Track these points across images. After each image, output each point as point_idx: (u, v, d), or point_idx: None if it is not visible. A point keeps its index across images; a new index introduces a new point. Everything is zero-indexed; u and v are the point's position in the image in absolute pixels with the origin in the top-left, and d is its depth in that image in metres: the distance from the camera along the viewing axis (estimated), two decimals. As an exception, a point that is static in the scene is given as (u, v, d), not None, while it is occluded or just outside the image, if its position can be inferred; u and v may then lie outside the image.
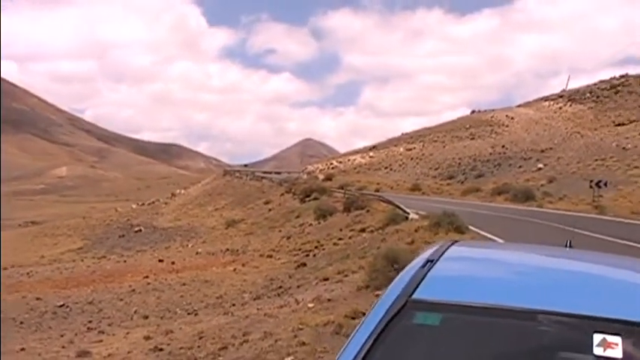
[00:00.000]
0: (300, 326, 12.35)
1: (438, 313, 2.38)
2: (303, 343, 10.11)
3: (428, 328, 2.35)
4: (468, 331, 2.35)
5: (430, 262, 2.77)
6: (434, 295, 2.47)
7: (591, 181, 47.31)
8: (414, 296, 2.45)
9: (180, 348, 14.30)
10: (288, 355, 9.41)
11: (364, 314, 8.00)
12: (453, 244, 3.17)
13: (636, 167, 60.94)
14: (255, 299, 21.97)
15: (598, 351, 2.18)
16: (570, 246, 4.17)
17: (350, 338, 2.32)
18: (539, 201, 49.68)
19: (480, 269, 3.08)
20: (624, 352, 2.17)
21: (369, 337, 2.27)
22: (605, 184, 46.47)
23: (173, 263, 38.85)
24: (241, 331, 14.45)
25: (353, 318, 11.45)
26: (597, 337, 2.21)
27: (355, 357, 2.20)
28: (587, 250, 4.06)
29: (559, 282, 2.83)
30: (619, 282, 3.01)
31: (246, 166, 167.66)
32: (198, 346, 14.05)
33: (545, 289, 2.68)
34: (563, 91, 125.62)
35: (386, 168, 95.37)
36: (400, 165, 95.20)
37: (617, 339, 2.20)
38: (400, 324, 2.33)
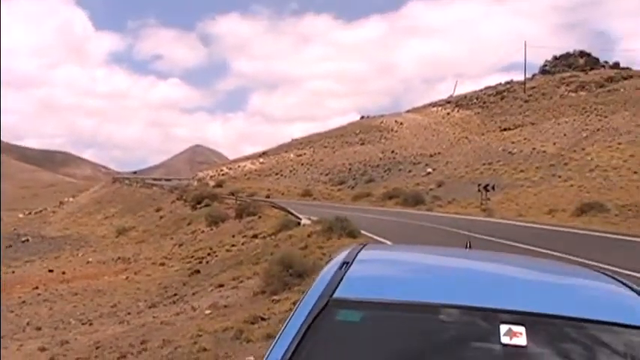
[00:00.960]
0: (199, 333, 12.56)
1: (358, 310, 2.64)
2: (204, 349, 10.33)
3: (349, 324, 2.60)
4: (386, 326, 2.61)
5: (346, 263, 3.06)
6: (353, 293, 2.74)
7: (479, 185, 48.88)
8: (335, 295, 2.70)
9: (77, 358, 14.28)
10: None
11: (263, 319, 8.46)
12: (363, 247, 3.50)
13: (522, 171, 63.19)
14: (150, 307, 21.94)
15: (505, 340, 2.46)
16: (470, 247, 4.67)
17: (276, 338, 2.62)
18: (429, 205, 51.10)
19: (392, 269, 3.43)
20: (528, 340, 2.47)
21: (295, 334, 2.51)
22: (493, 188, 48.14)
23: (64, 273, 38.15)
24: (139, 340, 14.50)
25: (252, 323, 11.73)
26: (504, 328, 2.49)
27: (284, 354, 2.43)
28: (486, 250, 4.54)
29: (465, 278, 3.21)
30: (518, 278, 3.42)
31: (135, 173, 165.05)
32: (96, 356, 14.05)
33: (454, 285, 3.03)
34: (451, 96, 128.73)
35: (276, 174, 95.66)
36: (291, 171, 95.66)
37: (522, 328, 2.49)
38: (324, 321, 2.56)
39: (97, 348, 15.06)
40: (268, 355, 2.49)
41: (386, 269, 3.44)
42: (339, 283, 2.81)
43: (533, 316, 2.58)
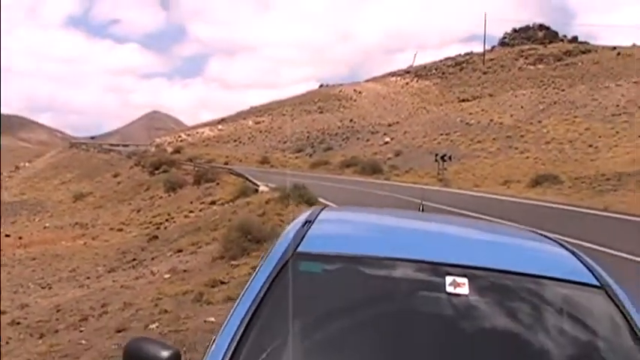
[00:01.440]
0: (159, 296, 12.78)
1: (319, 262, 2.98)
2: (165, 311, 10.57)
3: (311, 275, 2.93)
4: (344, 277, 2.95)
5: (308, 222, 3.40)
6: (315, 248, 3.07)
7: (436, 155, 49.33)
8: (299, 249, 3.02)
9: (39, 321, 14.38)
10: (153, 322, 9.89)
11: (222, 283, 8.74)
12: (323, 209, 3.85)
13: (479, 142, 63.91)
14: (109, 272, 22.06)
15: (450, 289, 2.81)
16: (422, 210, 5.10)
17: (246, 286, 2.93)
18: (387, 174, 51.58)
19: (350, 228, 3.83)
20: (470, 289, 2.82)
21: (262, 285, 2.81)
22: (450, 158, 48.67)
23: (20, 238, 37.97)
24: (99, 303, 14.69)
25: (212, 286, 11.98)
26: (449, 279, 2.84)
27: (254, 299, 2.73)
28: (436, 213, 4.99)
29: (416, 236, 3.61)
30: (464, 236, 3.86)
31: (93, 138, 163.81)
32: (57, 319, 14.17)
33: (406, 241, 3.40)
34: (410, 67, 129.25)
35: (235, 141, 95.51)
36: (249, 138, 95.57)
37: (464, 280, 2.84)
38: (288, 272, 2.88)
39: (57, 311, 15.21)
40: (237, 305, 2.78)
41: (344, 228, 3.81)
42: (302, 239, 3.14)
43: (474, 269, 2.93)
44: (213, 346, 2.65)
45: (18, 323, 14.82)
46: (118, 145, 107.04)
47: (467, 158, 57.78)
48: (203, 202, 36.11)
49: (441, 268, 2.93)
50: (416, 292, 2.91)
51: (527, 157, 55.11)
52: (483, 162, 56.18)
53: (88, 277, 21.62)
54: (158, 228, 33.01)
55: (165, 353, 2.65)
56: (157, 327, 9.35)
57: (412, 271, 2.95)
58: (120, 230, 37.00)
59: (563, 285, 2.98)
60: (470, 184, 42.90)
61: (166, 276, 16.50)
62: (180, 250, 21.87)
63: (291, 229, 3.37)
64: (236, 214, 25.81)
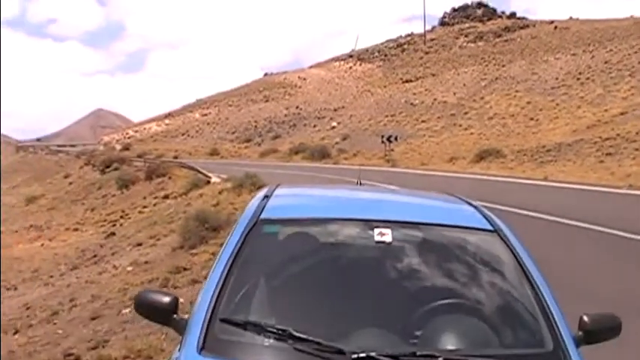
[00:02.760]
0: (126, 286, 13.42)
1: (278, 225, 3.97)
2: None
3: (272, 234, 3.92)
4: (298, 234, 3.95)
5: (267, 197, 4.31)
6: (274, 214, 4.00)
7: (382, 136, 50.20)
8: (262, 216, 3.92)
9: (10, 319, 14.83)
10: (125, 308, 10.57)
11: (185, 269, 9.58)
12: (277, 186, 4.74)
13: (424, 121, 65.07)
14: (72, 269, 22.53)
15: (377, 238, 3.76)
16: (360, 184, 6.19)
17: (222, 247, 3.79)
18: (335, 158, 52.45)
19: (300, 198, 4.87)
20: (393, 238, 3.76)
21: (235, 245, 3.67)
22: (396, 139, 49.61)
23: (-25, 244, 37.99)
24: (67, 298, 15.21)
25: (176, 273, 12.68)
26: (376, 230, 3.79)
27: (229, 256, 3.59)
28: (370, 186, 6.15)
29: (353, 202, 4.66)
30: (391, 200, 5.04)
31: (39, 140, 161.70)
32: (28, 316, 14.66)
33: (345, 206, 4.46)
34: (353, 50, 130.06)
35: (183, 135, 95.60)
36: (197, 131, 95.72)
37: (388, 230, 3.79)
38: (254, 234, 3.78)
39: (27, 309, 15.70)
40: (217, 262, 3.64)
41: (295, 199, 4.84)
42: (263, 208, 4.04)
43: (396, 222, 3.91)
44: (202, 292, 3.48)
45: (-11, 322, 15.28)
46: (65, 146, 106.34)
47: (413, 138, 58.92)
48: (156, 197, 36.51)
49: (371, 223, 3.87)
50: (353, 241, 3.88)
51: (472, 134, 56.38)
52: (429, 141, 57.36)
53: (52, 276, 22.08)
54: (114, 225, 33.41)
55: (166, 299, 3.48)
56: (130, 311, 10.05)
57: (349, 227, 3.92)
58: (76, 230, 37.28)
59: (464, 231, 4.00)
60: (417, 162, 43.98)
61: (129, 268, 17.08)
62: (139, 244, 22.44)
63: (253, 202, 4.26)
64: (190, 206, 26.38)
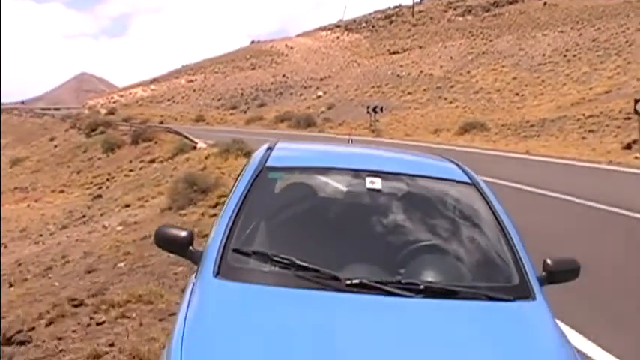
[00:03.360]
0: (118, 244, 13.81)
1: (282, 172, 4.54)
2: (129, 253, 11.63)
3: (277, 180, 4.51)
4: (299, 181, 4.57)
5: (270, 149, 4.84)
6: (278, 163, 4.55)
7: (368, 107, 50.42)
8: (267, 164, 4.47)
9: (2, 275, 15.21)
10: (119, 262, 10.97)
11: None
12: (277, 142, 5.21)
13: (409, 93, 65.38)
14: (61, 229, 22.86)
15: (369, 185, 4.34)
16: (352, 142, 6.80)
17: (231, 191, 4.28)
18: (320, 127, 52.76)
19: (300, 151, 5.46)
20: (382, 185, 4.35)
21: (243, 190, 4.19)
22: (382, 109, 49.85)
23: (-40, 204, 38.15)
24: (59, 255, 15.52)
25: (167, 230, 13.03)
26: (368, 179, 4.36)
27: (239, 198, 4.10)
28: (361, 144, 6.87)
29: (347, 156, 5.27)
30: (381, 155, 5.63)
31: (23, 102, 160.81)
32: (21, 271, 14.93)
33: (339, 158, 5.02)
34: (340, 21, 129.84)
35: (169, 100, 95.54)
36: (183, 97, 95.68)
37: (378, 179, 4.37)
38: (261, 179, 4.33)
39: (19, 265, 15.98)
40: (227, 203, 4.13)
41: (296, 151, 5.45)
42: (268, 158, 4.59)
43: (385, 173, 4.49)
44: (215, 228, 3.96)
45: (-18, 278, 15.57)
46: (49, 109, 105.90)
47: (398, 109, 59.28)
48: (142, 161, 36.78)
49: (363, 173, 4.46)
50: (347, 189, 4.47)
51: (457, 107, 56.80)
52: (414, 112, 57.76)
53: (41, 235, 22.40)
54: (100, 188, 33.71)
55: (183, 233, 3.99)
56: (125, 264, 10.47)
57: (344, 176, 4.52)
58: (62, 192, 37.56)
59: (446, 182, 4.60)
60: (401, 133, 44.39)
61: (119, 228, 17.43)
62: (127, 206, 22.78)
63: (258, 154, 4.83)
64: (177, 171, 26.68)
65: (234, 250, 3.72)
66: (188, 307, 3.40)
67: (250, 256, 3.72)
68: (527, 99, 53.46)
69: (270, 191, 4.47)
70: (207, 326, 3.18)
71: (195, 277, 3.81)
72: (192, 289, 3.67)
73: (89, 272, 10.79)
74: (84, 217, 24.43)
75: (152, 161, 35.38)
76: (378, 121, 48.70)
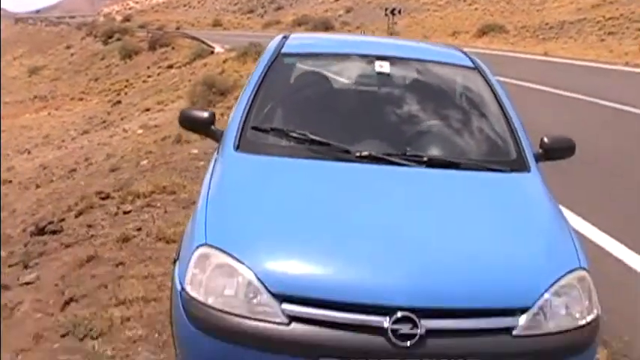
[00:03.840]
0: (140, 145, 14.10)
1: (297, 58, 4.82)
2: (150, 152, 11.91)
3: (292, 65, 4.80)
4: (313, 66, 4.81)
5: (285, 37, 5.11)
6: (293, 50, 4.85)
7: (386, 9, 49.95)
8: (283, 51, 4.75)
9: (29, 178, 15.54)
10: (142, 160, 11.27)
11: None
12: (291, 34, 5.52)
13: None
14: (82, 134, 23.17)
15: (378, 69, 4.65)
16: (364, 33, 7.25)
17: (249, 77, 4.55)
18: (338, 30, 52.41)
19: (315, 40, 5.82)
20: (390, 69, 4.65)
21: (262, 71, 4.49)
22: (400, 12, 49.31)
23: (-19, 114, 38.46)
24: (82, 158, 15.81)
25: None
26: (377, 63, 4.68)
27: (257, 81, 4.40)
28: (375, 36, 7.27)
29: (357, 43, 5.67)
30: (388, 42, 6.17)
31: (38, 12, 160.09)
32: (46, 174, 15.28)
33: (350, 44, 5.45)
34: None
35: (185, 6, 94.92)
36: (199, 2, 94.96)
37: (386, 63, 4.67)
38: (277, 64, 4.62)
39: (44, 168, 16.33)
40: (246, 87, 4.42)
41: (310, 40, 5.80)
42: (283, 46, 4.86)
43: (394, 58, 4.78)
44: (234, 109, 4.25)
45: (9, 182, 15.84)
46: (64, 18, 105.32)
47: (417, 12, 58.65)
48: (160, 67, 36.87)
49: (372, 58, 4.75)
50: (358, 72, 4.77)
51: (476, 9, 56.06)
52: (433, 15, 57.16)
53: (63, 141, 22.72)
54: (119, 94, 33.87)
55: (206, 114, 4.30)
56: (148, 162, 10.78)
57: (355, 61, 4.82)
58: (81, 99, 37.79)
59: (451, 67, 4.91)
60: (419, 36, 44.03)
61: (139, 131, 17.70)
62: (147, 110, 23.04)
63: (273, 42, 5.04)
64: (195, 75, 26.85)
65: (253, 128, 4.04)
66: (211, 178, 3.72)
67: (268, 133, 4.05)
68: (548, 1, 52.55)
69: (285, 76, 4.76)
70: (230, 192, 3.51)
71: (217, 153, 4.12)
72: (214, 163, 3.99)
73: (113, 171, 11.10)
74: (104, 122, 24.75)
75: (170, 67, 35.46)
76: (396, 23, 48.27)
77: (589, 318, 3.22)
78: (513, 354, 3.03)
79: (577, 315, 3.20)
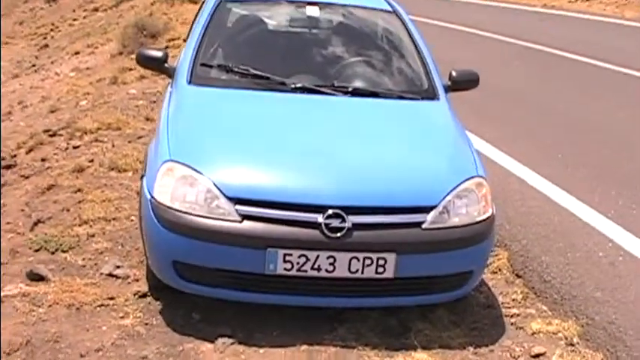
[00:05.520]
0: (75, 87, 14.30)
1: (237, 3, 5.50)
2: (88, 93, 12.19)
3: (233, 10, 5.48)
4: (253, 10, 5.53)
5: None
6: None
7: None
8: None
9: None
10: (81, 101, 11.62)
11: (130, 69, 10.72)
12: None
13: None
14: (12, 78, 23.03)
15: (309, 13, 5.47)
16: None
17: (197, 20, 5.16)
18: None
19: None
20: (320, 13, 5.46)
21: (207, 15, 5.16)
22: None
23: None
24: (16, 101, 15.74)
25: (122, 72, 13.58)
26: (308, 8, 5.45)
27: (203, 24, 5.08)
28: None
29: None
30: None
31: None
32: None
33: None
34: None
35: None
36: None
37: (316, 8, 5.48)
38: (220, 9, 5.32)
39: (-25, 112, 16.47)
40: (193, 29, 5.07)
41: None
42: None
43: (323, 3, 5.56)
44: (184, 48, 4.92)
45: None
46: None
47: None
48: (86, 10, 36.17)
49: (304, 3, 5.53)
50: (291, 16, 5.52)
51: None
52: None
53: (-8, 85, 22.55)
54: (45, 38, 33.22)
55: (160, 53, 4.94)
56: (87, 103, 11.14)
57: (289, 6, 5.58)
58: (6, 44, 36.88)
59: (372, 11, 5.72)
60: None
61: (72, 74, 17.78)
62: (77, 53, 22.89)
63: None
64: (122, 18, 26.65)
65: (202, 65, 4.77)
66: (169, 106, 4.39)
67: (215, 68, 4.76)
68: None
69: (228, 19, 5.47)
70: (187, 117, 4.25)
71: (171, 86, 4.80)
72: (169, 95, 4.66)
73: (52, 112, 11.38)
74: (34, 66, 24.49)
75: (96, 9, 34.88)
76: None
77: (484, 216, 4.05)
78: (423, 242, 3.82)
79: (475, 213, 4.02)
